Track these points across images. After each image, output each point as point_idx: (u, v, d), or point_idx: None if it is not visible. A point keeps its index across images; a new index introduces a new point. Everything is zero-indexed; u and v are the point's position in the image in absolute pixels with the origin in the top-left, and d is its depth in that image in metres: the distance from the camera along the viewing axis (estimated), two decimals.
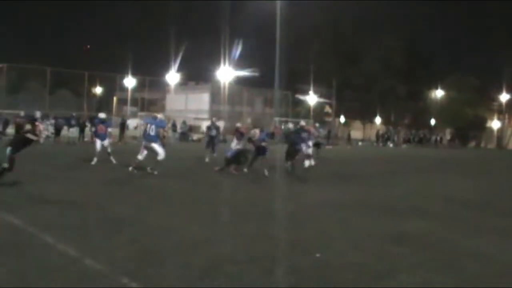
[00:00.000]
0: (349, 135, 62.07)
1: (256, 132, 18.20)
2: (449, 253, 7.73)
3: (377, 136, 61.78)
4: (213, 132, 22.69)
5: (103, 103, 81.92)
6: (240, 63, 58.74)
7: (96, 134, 18.99)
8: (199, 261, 6.56)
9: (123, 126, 35.89)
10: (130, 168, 16.01)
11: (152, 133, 15.89)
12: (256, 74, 60.88)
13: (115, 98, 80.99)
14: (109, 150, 18.75)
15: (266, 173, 16.80)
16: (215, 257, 6.77)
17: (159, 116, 17.59)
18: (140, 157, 16.05)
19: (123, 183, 13.82)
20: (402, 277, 6.40)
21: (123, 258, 6.55)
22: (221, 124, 24.85)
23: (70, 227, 8.15)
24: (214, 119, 25.98)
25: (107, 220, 8.78)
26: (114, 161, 18.46)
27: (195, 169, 18.41)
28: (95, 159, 18.06)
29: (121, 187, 13.14)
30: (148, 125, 16.11)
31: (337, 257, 7.12)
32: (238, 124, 22.87)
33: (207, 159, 21.64)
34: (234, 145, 20.29)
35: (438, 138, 65.04)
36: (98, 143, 18.39)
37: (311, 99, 68.53)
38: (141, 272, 5.98)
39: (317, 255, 7.13)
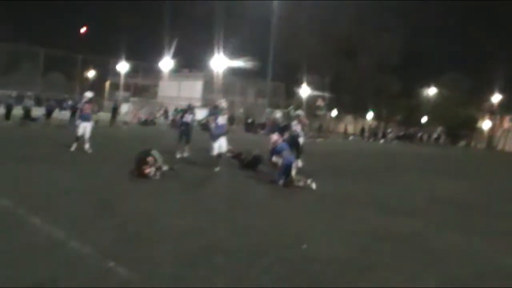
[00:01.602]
0: (345, 129, 62.63)
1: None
2: (433, 251, 7.81)
3: (362, 131, 61.97)
4: (190, 118, 18.77)
5: (96, 87, 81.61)
6: (234, 53, 58.63)
7: (80, 116, 17.22)
8: (187, 248, 6.61)
9: (115, 111, 35.69)
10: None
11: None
12: (251, 64, 60.67)
13: (107, 83, 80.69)
14: (88, 135, 16.87)
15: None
16: (203, 245, 6.81)
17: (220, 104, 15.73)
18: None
19: (108, 170, 13.72)
20: (386, 273, 6.46)
21: (110, 242, 6.58)
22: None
23: (57, 210, 8.17)
24: (191, 104, 20.74)
25: (93, 205, 8.76)
26: (89, 150, 16.62)
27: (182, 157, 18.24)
28: (74, 145, 16.70)
29: (105, 173, 13.06)
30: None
31: (324, 250, 7.18)
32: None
33: (179, 155, 17.69)
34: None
35: (425, 136, 64.22)
36: (81, 127, 16.82)
37: (304, 91, 68.44)
38: (127, 256, 6.01)
39: (304, 246, 7.19)
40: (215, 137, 15.02)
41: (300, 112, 20.66)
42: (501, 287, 6.50)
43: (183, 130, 18.56)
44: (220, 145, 15.05)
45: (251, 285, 5.53)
